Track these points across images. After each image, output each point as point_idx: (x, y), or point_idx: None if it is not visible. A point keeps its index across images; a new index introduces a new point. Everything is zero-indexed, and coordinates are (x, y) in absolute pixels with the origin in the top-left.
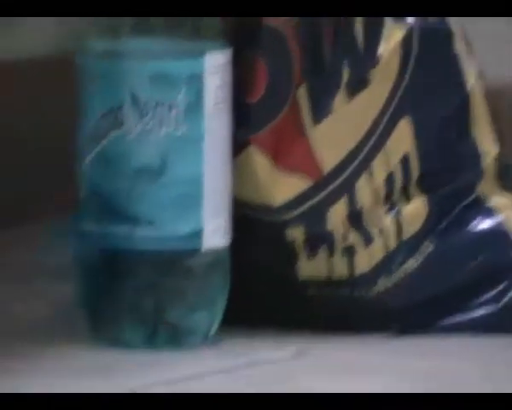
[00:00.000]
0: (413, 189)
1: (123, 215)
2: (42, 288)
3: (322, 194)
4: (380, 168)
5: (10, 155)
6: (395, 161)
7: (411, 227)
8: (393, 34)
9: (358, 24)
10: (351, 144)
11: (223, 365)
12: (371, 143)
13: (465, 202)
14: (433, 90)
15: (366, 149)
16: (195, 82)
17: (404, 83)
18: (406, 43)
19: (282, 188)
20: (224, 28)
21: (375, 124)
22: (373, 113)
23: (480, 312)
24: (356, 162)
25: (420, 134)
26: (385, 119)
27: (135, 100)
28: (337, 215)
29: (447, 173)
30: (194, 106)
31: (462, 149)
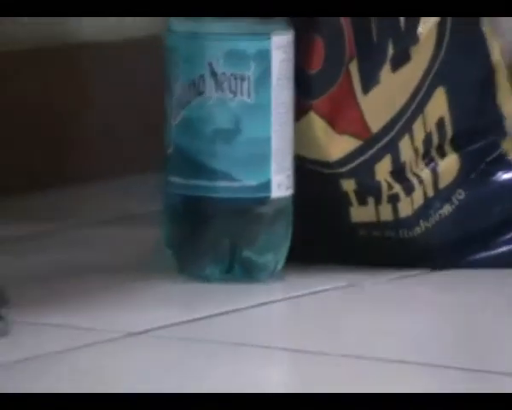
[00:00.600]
0: (447, 147)
1: (204, 169)
2: (136, 231)
3: (371, 152)
4: (419, 130)
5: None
6: (432, 123)
7: (446, 179)
8: (431, 17)
9: None
10: (395, 110)
11: (287, 295)
12: (412, 108)
13: (490, 158)
14: (464, 64)
15: (407, 114)
16: (264, 58)
17: (440, 58)
18: (441, 24)
19: (336, 146)
20: (287, 17)
21: (415, 92)
22: (413, 83)
23: (503, 249)
24: (399, 125)
25: (453, 101)
26: (423, 88)
27: (213, 72)
28: (383, 169)
29: (476, 134)
30: (263, 78)
31: (488, 113)
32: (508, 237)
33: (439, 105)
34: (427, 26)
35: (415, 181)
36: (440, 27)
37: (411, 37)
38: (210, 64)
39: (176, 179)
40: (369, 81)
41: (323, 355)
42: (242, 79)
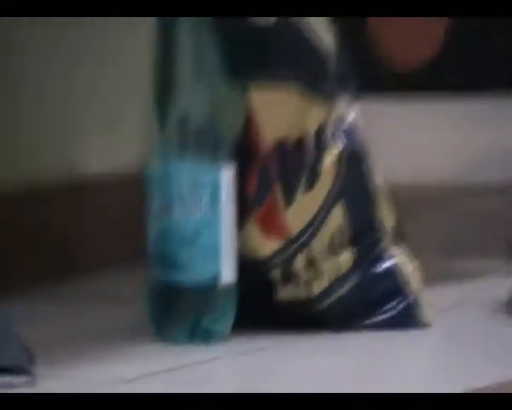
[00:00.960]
0: (345, 244)
1: (173, 263)
2: (123, 307)
3: (291, 249)
4: (325, 233)
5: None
6: (335, 227)
7: (344, 268)
8: (331, 153)
9: (309, 149)
10: (307, 219)
11: (235, 349)
12: (319, 218)
13: (375, 252)
14: (356, 186)
15: (316, 222)
16: (215, 185)
17: (339, 182)
18: (339, 159)
19: (267, 245)
20: (231, 155)
21: (321, 207)
22: (320, 200)
23: (385, 316)
24: (310, 230)
25: (349, 212)
26: (327, 204)
27: (179, 196)
28: (300, 261)
29: (365, 234)
30: (214, 199)
31: (372, 220)
32: (388, 307)
33: (338, 215)
34: (328, 160)
35: (322, 270)
36: (338, 162)
37: (318, 168)
38: (176, 191)
39: (155, 270)
40: (289, 199)
41: (262, 392)
42: (200, 200)
